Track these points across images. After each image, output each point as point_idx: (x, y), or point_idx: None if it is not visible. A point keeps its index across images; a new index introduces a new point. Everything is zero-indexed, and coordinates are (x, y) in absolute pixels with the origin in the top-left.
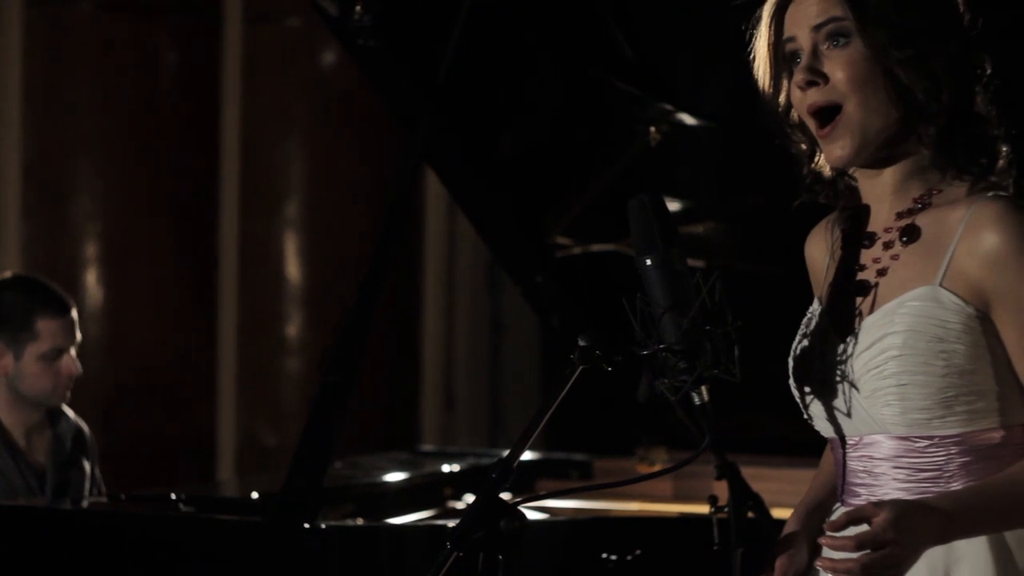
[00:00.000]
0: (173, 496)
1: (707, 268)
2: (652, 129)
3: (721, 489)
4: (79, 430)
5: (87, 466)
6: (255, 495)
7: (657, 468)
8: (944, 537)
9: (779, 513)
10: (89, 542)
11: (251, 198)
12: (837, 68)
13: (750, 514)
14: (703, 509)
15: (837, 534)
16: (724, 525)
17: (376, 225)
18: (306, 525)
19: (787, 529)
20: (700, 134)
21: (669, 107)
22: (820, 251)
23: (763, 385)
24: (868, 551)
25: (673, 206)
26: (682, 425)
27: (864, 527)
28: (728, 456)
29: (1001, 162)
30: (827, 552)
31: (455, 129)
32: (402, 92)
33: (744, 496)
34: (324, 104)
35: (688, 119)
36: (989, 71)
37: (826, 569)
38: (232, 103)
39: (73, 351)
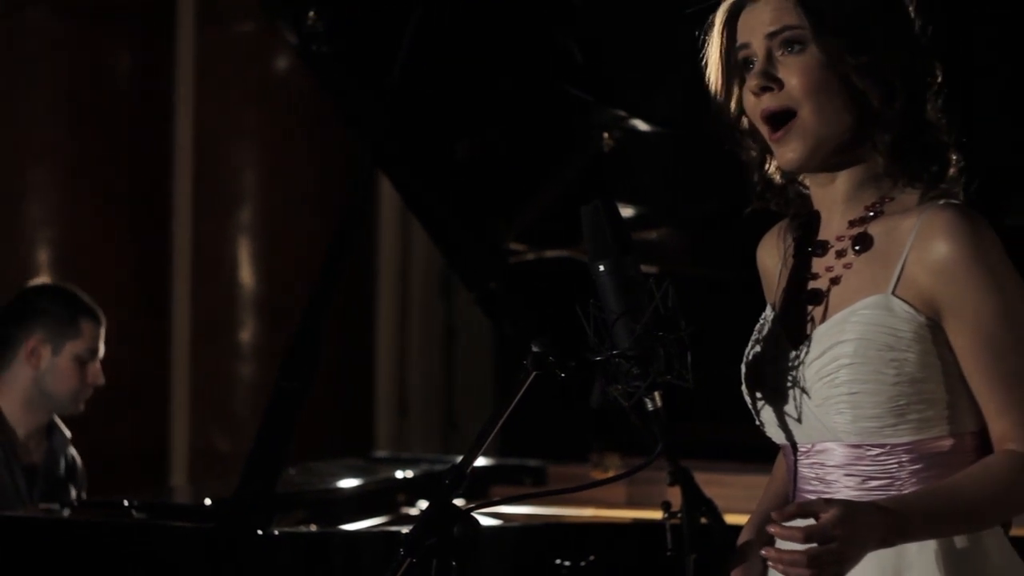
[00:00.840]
0: (125, 503)
1: (660, 274)
2: (605, 135)
3: (674, 495)
4: (74, 457)
5: (73, 491)
6: (208, 501)
7: (611, 474)
8: (890, 539)
9: (733, 519)
10: (41, 550)
11: (204, 203)
12: (792, 74)
13: (703, 520)
14: (656, 515)
15: (786, 524)
16: (677, 531)
17: (329, 230)
18: (259, 531)
19: (742, 539)
20: (653, 140)
21: (622, 113)
22: (772, 258)
23: (717, 391)
24: (815, 544)
25: (626, 212)
26: (635, 431)
27: (812, 521)
28: (681, 462)
29: (952, 170)
30: (778, 543)
31: (408, 135)
32: (355, 98)
33: (697, 502)
34: (277, 109)
35: (641, 125)
36: (940, 79)
37: (771, 559)
38: (185, 108)
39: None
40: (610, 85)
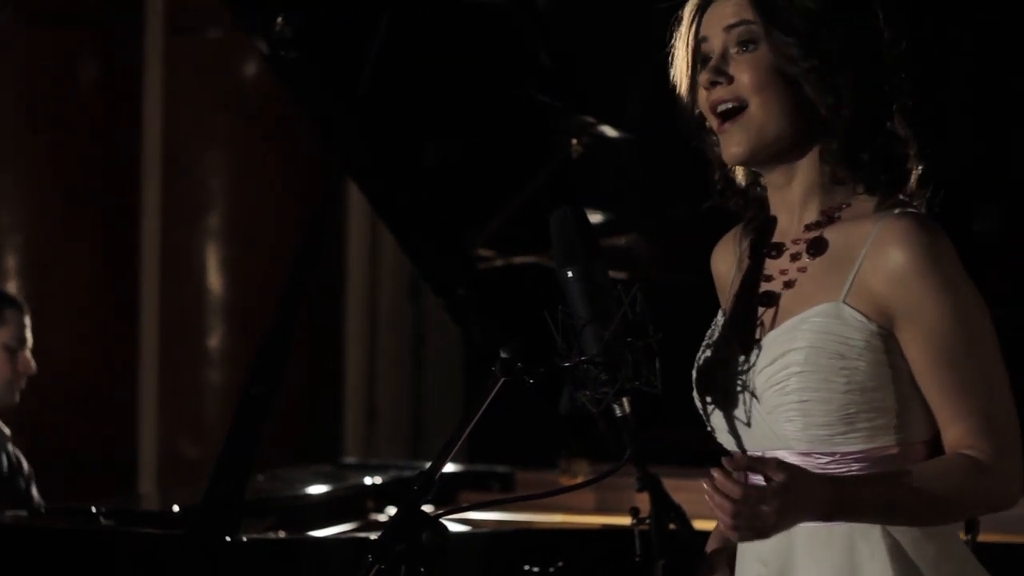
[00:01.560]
0: (94, 509)
1: (629, 280)
2: (574, 141)
3: (643, 501)
4: (17, 456)
5: (22, 484)
6: (176, 508)
7: (579, 480)
8: (833, 515)
9: (701, 524)
10: (7, 557)
11: (173, 209)
12: (742, 71)
13: (672, 525)
14: (625, 521)
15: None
16: (646, 536)
17: (298, 236)
18: (227, 538)
19: (709, 546)
20: (621, 146)
21: (590, 119)
22: (726, 263)
23: (685, 397)
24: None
25: (595, 218)
26: (604, 437)
27: (759, 480)
28: (650, 468)
29: (912, 180)
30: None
31: (377, 141)
32: (323, 104)
33: (666, 507)
34: (246, 115)
35: (609, 131)
36: (905, 90)
37: (709, 487)
38: (153, 114)
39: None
40: (578, 91)
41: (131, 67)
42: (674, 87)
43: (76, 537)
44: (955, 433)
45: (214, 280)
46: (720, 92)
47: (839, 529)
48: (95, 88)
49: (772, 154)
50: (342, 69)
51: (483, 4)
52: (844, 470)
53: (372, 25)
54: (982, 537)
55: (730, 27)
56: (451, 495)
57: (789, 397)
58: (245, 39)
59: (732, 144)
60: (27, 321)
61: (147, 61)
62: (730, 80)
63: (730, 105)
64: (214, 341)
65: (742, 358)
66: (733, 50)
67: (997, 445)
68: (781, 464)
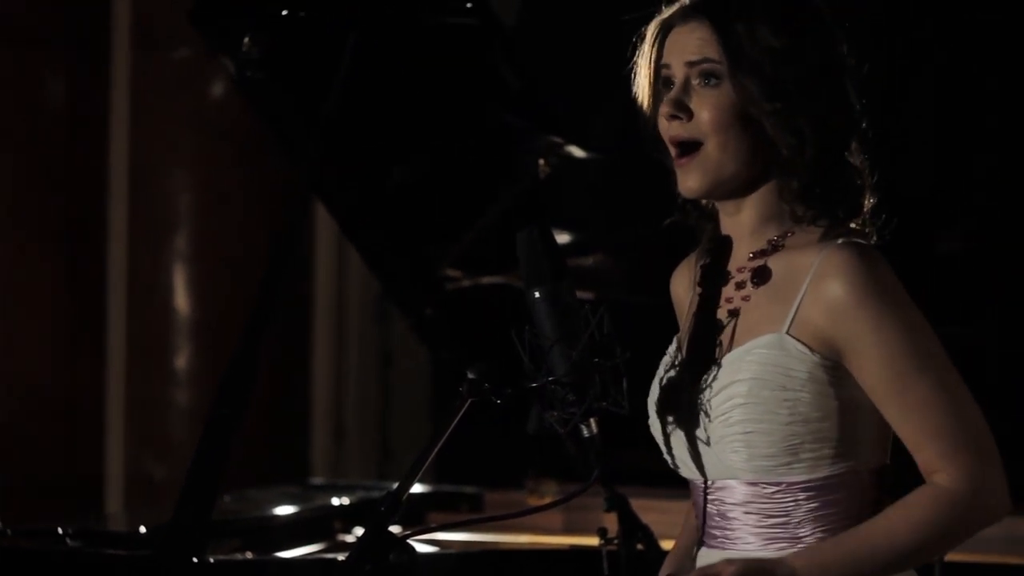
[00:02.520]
0: (60, 530)
1: (596, 300)
2: (541, 161)
3: (611, 521)
4: None
5: None
6: (143, 529)
7: (547, 500)
8: None
9: (669, 545)
10: None
11: (139, 229)
12: (704, 107)
13: (640, 546)
14: (593, 541)
15: None
16: (614, 557)
17: (265, 256)
18: (194, 559)
19: (663, 572)
20: (589, 166)
21: (558, 139)
22: (684, 287)
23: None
24: None
25: (562, 238)
26: (572, 457)
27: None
28: (618, 488)
29: (864, 211)
30: None
31: (344, 161)
32: (290, 124)
33: (634, 528)
34: (213, 135)
35: (577, 151)
36: (864, 124)
37: None
38: (119, 134)
39: None
40: (546, 111)
41: (97, 86)
42: (636, 95)
43: (42, 558)
44: (924, 459)
45: (181, 300)
46: (678, 128)
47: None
48: (61, 108)
49: (728, 190)
50: (309, 89)
51: (450, 25)
52: (791, 499)
53: (339, 46)
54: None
55: (693, 63)
56: (419, 516)
57: (733, 428)
58: (212, 59)
59: (688, 179)
60: None
61: (114, 81)
62: (690, 116)
63: (686, 141)
64: (181, 361)
65: (692, 388)
66: (695, 82)
67: (967, 463)
68: (729, 561)
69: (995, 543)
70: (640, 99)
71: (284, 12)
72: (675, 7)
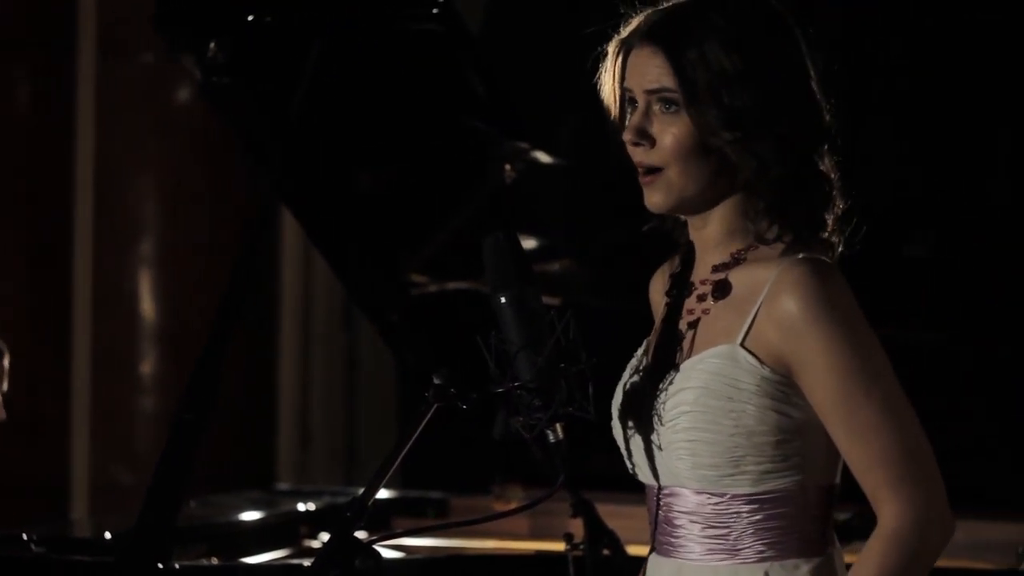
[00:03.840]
0: (24, 536)
1: (562, 306)
2: (507, 167)
3: (577, 527)
4: None
5: None
6: (108, 535)
7: (513, 506)
8: None
9: (635, 550)
10: None
11: (105, 235)
12: (665, 134)
13: (606, 551)
14: (559, 546)
15: None
16: (580, 562)
17: (231, 263)
18: (160, 565)
19: None
20: (555, 172)
21: (524, 145)
22: (658, 292)
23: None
24: None
25: (528, 243)
26: (538, 463)
27: None
28: (584, 493)
29: (829, 226)
30: None
31: (310, 167)
32: (256, 130)
33: (600, 533)
34: (179, 141)
35: (543, 157)
36: (833, 131)
37: None
38: (85, 139)
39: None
40: (512, 117)
41: (63, 92)
42: (605, 113)
43: (7, 564)
44: (869, 488)
45: (147, 306)
46: (640, 154)
47: (724, 570)
48: (27, 113)
49: (693, 208)
50: (275, 95)
51: (416, 31)
52: (733, 511)
53: (305, 51)
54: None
55: (651, 91)
56: (385, 521)
57: (679, 435)
58: (178, 64)
59: (652, 197)
60: (5, 365)
61: (80, 86)
62: (652, 143)
63: (648, 167)
64: (147, 367)
65: (649, 395)
66: (656, 107)
67: (910, 495)
68: None
69: (960, 549)
70: (610, 112)
71: (249, 17)
72: (632, 27)
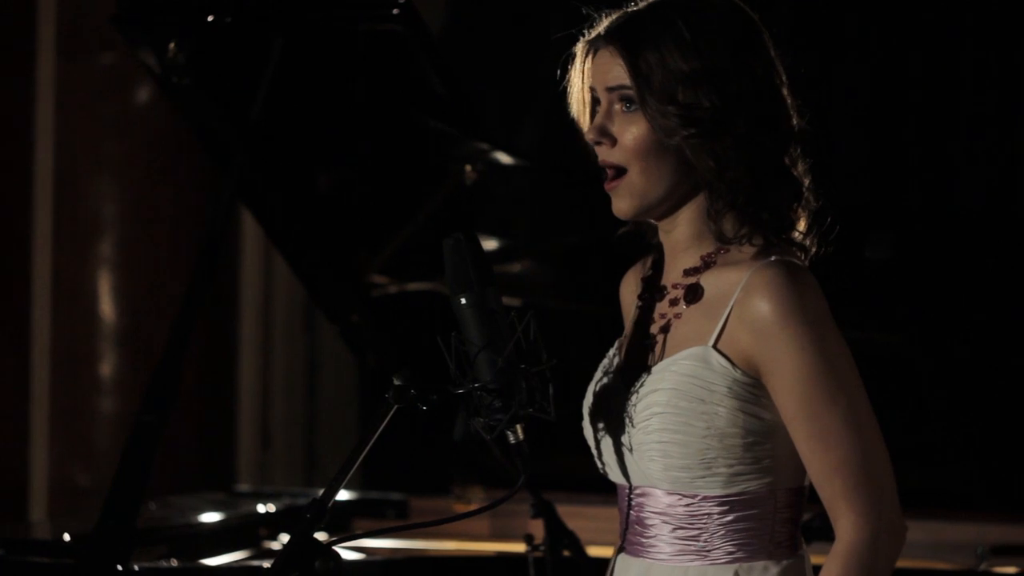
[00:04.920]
0: None
1: (522, 307)
2: (468, 167)
3: (537, 528)
4: None
5: None
6: (68, 537)
7: (473, 507)
8: None
9: (595, 551)
10: None
11: (64, 235)
12: (625, 132)
13: (566, 552)
14: (520, 548)
15: None
16: (540, 563)
17: (191, 263)
18: (119, 567)
19: None
20: (516, 173)
21: (485, 146)
22: (631, 294)
23: (579, 424)
24: None
25: (489, 244)
26: (498, 464)
27: None
28: (544, 495)
29: (799, 227)
30: None
31: (270, 167)
32: (216, 130)
33: (560, 534)
34: (138, 141)
35: (504, 158)
36: (799, 129)
37: None
38: (45, 139)
39: None
40: (472, 118)
41: (22, 92)
42: (569, 119)
43: None
44: (826, 497)
45: (106, 307)
46: (604, 154)
47: (693, 571)
48: None
49: (661, 210)
50: (235, 95)
51: (376, 31)
52: (704, 513)
53: (265, 52)
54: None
55: (612, 89)
56: (345, 522)
57: (651, 436)
58: (138, 65)
59: (619, 202)
60: None
61: (39, 86)
62: (613, 142)
63: (610, 167)
64: (106, 368)
65: (623, 396)
66: (617, 106)
67: (865, 507)
68: None
69: (921, 549)
70: (576, 117)
71: (209, 17)
72: (597, 30)
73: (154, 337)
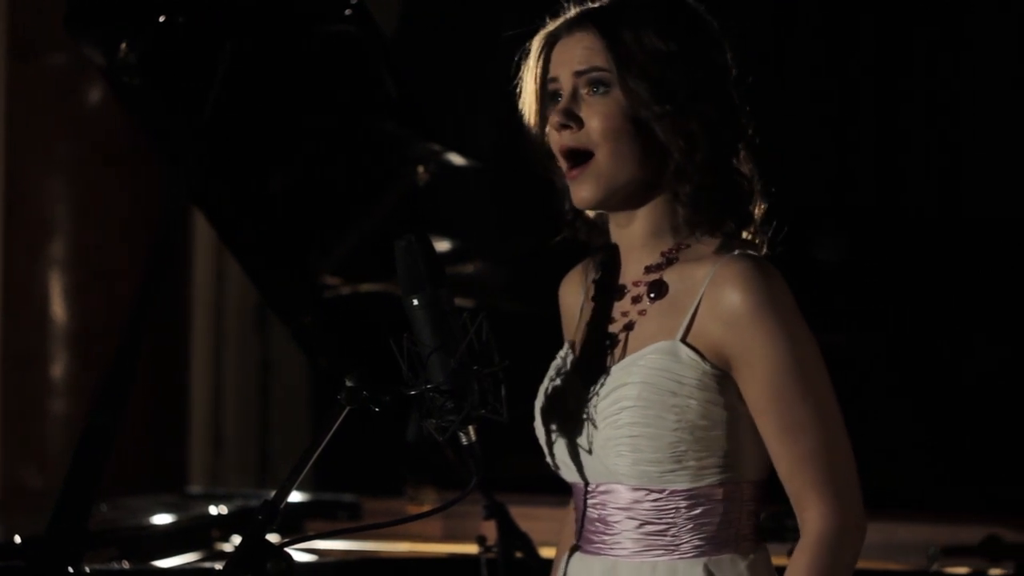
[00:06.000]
0: None
1: (475, 308)
2: (420, 168)
3: (490, 529)
4: None
5: None
6: (18, 538)
7: (426, 508)
8: None
9: (548, 552)
10: None
11: (15, 236)
12: (593, 116)
13: (518, 554)
14: (472, 549)
15: None
16: (493, 565)
17: (143, 265)
18: (70, 569)
19: None
20: (468, 174)
21: (437, 147)
22: (574, 295)
23: (531, 425)
24: None
25: (441, 246)
26: (451, 465)
27: None
28: (496, 496)
29: (755, 221)
30: None
31: (222, 168)
32: (168, 130)
33: (513, 536)
34: (90, 142)
35: (456, 159)
36: (750, 131)
37: None
38: None
39: None
40: (425, 119)
41: None
42: (521, 118)
43: None
44: (793, 489)
45: (58, 308)
46: (568, 137)
47: (662, 566)
48: None
49: (622, 199)
50: (187, 96)
51: (329, 32)
52: (672, 507)
53: (217, 52)
54: None
55: (580, 72)
56: (297, 524)
57: (620, 431)
58: (89, 66)
59: (582, 190)
60: None
61: None
62: (580, 125)
63: (577, 150)
64: (57, 370)
65: (583, 394)
66: (584, 90)
67: (831, 499)
68: None
69: (872, 550)
70: (526, 116)
71: (161, 18)
72: (560, 19)
73: (106, 338)
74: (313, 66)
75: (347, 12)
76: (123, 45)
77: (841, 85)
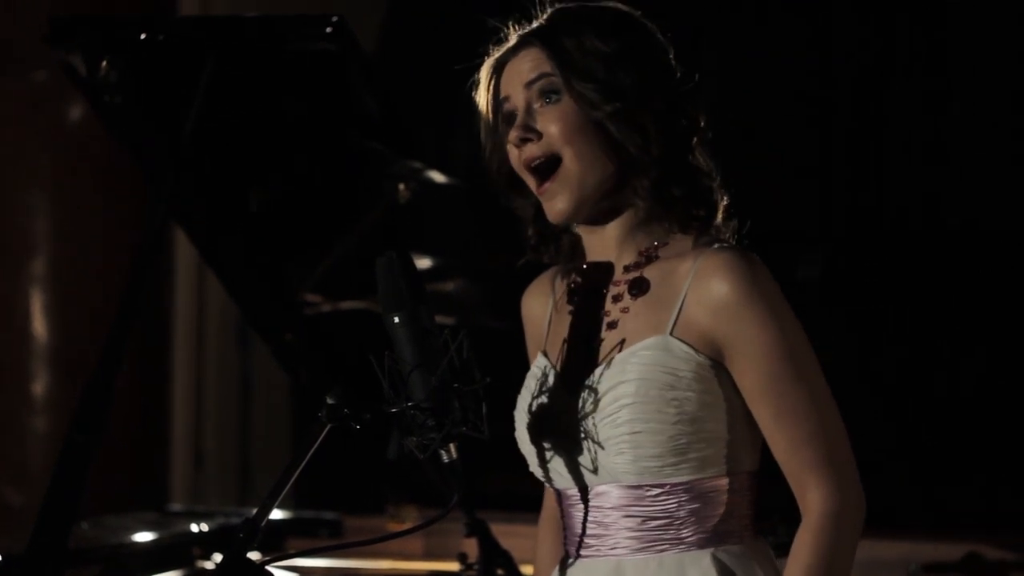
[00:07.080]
0: None
1: (456, 326)
2: (401, 186)
3: (471, 546)
4: None
5: None
6: None
7: (407, 526)
8: None
9: (528, 570)
10: None
11: None
12: (549, 123)
13: (500, 571)
14: (453, 567)
15: None
16: None
17: (124, 281)
18: None
19: None
20: (449, 192)
21: (418, 165)
22: (541, 306)
23: (513, 442)
24: None
25: (422, 263)
26: (432, 482)
27: None
28: (478, 513)
29: (720, 212)
30: None
31: (203, 186)
32: (149, 148)
33: (494, 553)
34: (71, 159)
35: (437, 177)
36: (703, 124)
37: None
38: None
39: None
40: (406, 137)
41: None
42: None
43: None
44: (793, 470)
45: (38, 325)
46: (532, 149)
47: (669, 559)
48: None
49: (593, 206)
50: (168, 113)
51: (310, 50)
52: (673, 501)
53: (197, 70)
54: None
55: (530, 83)
56: (278, 542)
57: (620, 429)
58: (70, 82)
59: (557, 203)
60: None
61: None
62: (539, 136)
63: (543, 160)
64: (38, 387)
65: (571, 400)
66: (536, 104)
67: (832, 478)
68: None
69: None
70: (483, 145)
71: (142, 35)
72: (505, 45)
73: (87, 355)
74: (294, 84)
75: (328, 30)
76: (104, 63)
77: (824, 93)
